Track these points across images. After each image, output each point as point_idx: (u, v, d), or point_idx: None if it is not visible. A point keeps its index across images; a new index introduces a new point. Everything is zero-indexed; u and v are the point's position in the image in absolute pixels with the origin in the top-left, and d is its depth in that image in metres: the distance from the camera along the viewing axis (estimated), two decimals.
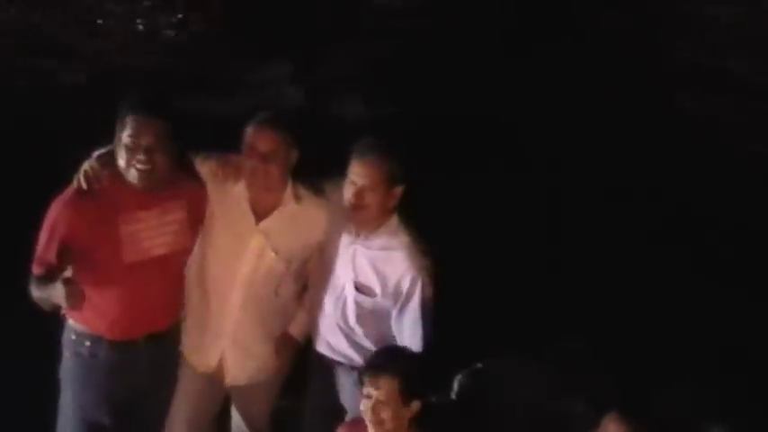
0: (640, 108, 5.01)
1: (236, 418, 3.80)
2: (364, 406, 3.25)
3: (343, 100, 5.02)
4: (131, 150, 3.18)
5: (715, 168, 4.94)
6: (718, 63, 4.87)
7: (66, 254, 3.17)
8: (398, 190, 3.39)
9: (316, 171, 3.55)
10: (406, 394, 3.21)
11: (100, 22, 4.95)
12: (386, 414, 3.22)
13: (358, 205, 3.35)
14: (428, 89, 4.95)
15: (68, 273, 3.08)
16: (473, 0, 5.04)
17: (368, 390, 3.24)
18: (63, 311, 3.40)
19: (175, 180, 3.34)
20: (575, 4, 5.10)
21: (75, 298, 3.03)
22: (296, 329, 3.68)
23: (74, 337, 3.40)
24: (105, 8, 4.93)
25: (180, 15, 4.98)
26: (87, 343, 3.38)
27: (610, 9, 4.99)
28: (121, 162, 3.21)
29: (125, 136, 3.18)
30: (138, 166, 3.19)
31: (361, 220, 3.41)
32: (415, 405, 3.23)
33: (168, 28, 4.96)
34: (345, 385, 3.60)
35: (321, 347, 3.62)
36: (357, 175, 3.34)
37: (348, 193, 3.36)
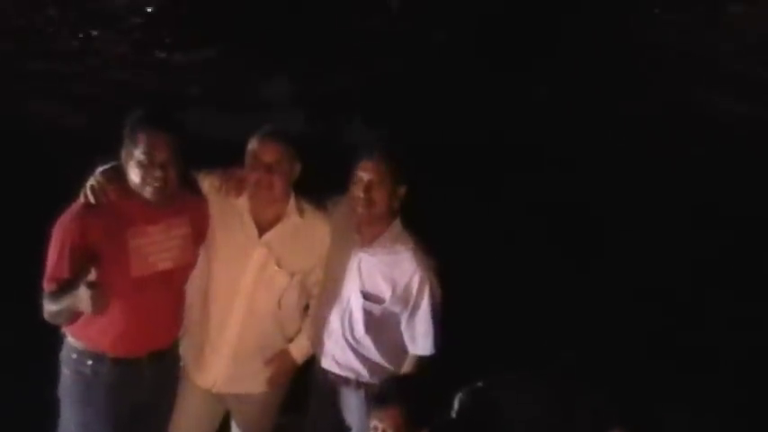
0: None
1: None
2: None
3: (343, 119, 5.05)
4: (146, 167, 3.18)
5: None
6: None
7: (81, 264, 3.13)
8: (402, 190, 3.46)
9: (317, 189, 3.59)
10: (412, 422, 3.24)
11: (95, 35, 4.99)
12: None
13: (367, 201, 3.40)
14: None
15: (92, 276, 3.05)
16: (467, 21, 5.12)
17: (375, 423, 3.26)
18: (63, 329, 3.38)
19: (180, 195, 3.35)
20: None
21: (101, 300, 3.01)
22: (296, 351, 3.67)
23: (75, 356, 3.37)
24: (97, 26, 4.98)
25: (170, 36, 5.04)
26: (89, 362, 3.34)
27: None
28: (135, 178, 3.21)
29: (138, 153, 3.18)
30: (156, 183, 3.19)
31: (369, 217, 3.45)
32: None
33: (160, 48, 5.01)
34: (351, 403, 3.61)
35: (327, 363, 3.62)
36: (364, 171, 3.41)
37: (357, 190, 3.42)
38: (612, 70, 5.13)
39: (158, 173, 3.18)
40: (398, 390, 3.31)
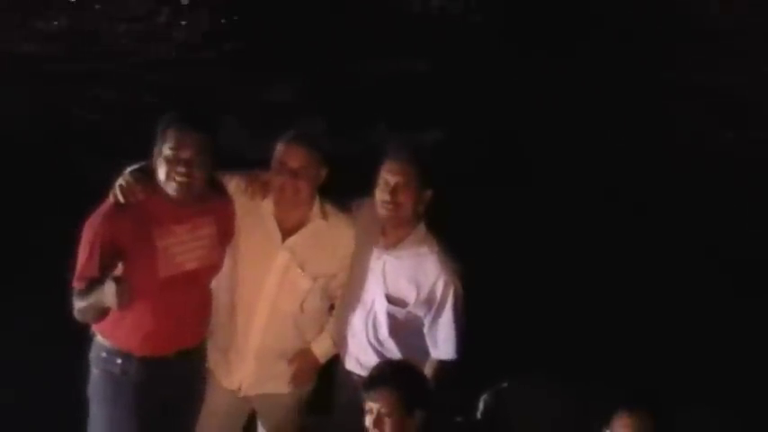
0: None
1: None
2: (368, 421, 3.23)
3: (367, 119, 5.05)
4: (171, 163, 3.22)
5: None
6: None
7: (109, 263, 3.18)
8: (428, 194, 3.45)
9: (341, 191, 3.61)
10: (408, 404, 3.21)
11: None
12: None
13: (392, 204, 3.40)
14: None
15: (118, 271, 3.09)
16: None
17: (369, 405, 3.24)
18: (93, 329, 3.44)
19: (206, 196, 3.38)
20: None
21: (126, 295, 3.04)
22: (318, 350, 3.69)
23: (104, 354, 3.41)
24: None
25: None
26: (118, 360, 3.38)
27: None
28: (161, 175, 3.25)
29: (166, 149, 3.23)
30: (178, 178, 3.23)
31: (394, 221, 3.45)
32: (419, 415, 3.23)
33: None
34: None
35: (350, 365, 3.64)
36: (391, 173, 3.41)
37: (382, 193, 3.42)
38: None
39: (182, 169, 3.22)
40: (392, 372, 3.28)
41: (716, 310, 4.56)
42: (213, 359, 3.61)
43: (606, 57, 5.25)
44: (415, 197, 3.42)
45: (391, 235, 3.51)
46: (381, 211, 3.44)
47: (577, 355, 4.21)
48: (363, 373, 3.59)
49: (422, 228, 3.52)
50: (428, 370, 3.50)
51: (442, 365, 3.50)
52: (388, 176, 3.42)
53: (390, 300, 3.51)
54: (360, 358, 3.61)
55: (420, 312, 3.49)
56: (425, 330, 3.51)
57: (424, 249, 3.47)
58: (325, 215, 3.53)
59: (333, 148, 3.55)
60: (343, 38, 5.21)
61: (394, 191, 3.40)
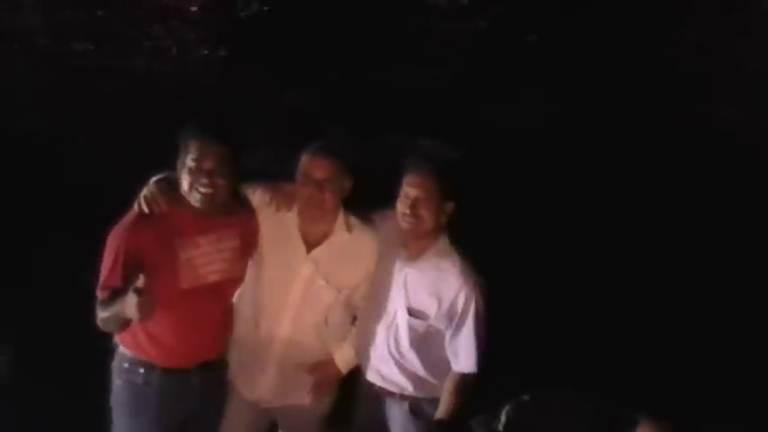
0: None
1: None
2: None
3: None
4: (194, 173, 3.22)
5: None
6: None
7: (133, 273, 3.17)
8: (450, 206, 3.43)
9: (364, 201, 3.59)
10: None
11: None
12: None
13: (413, 217, 3.38)
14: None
15: (140, 283, 3.09)
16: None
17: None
18: (115, 339, 3.44)
19: (230, 207, 3.38)
20: None
21: (148, 307, 3.05)
22: (340, 360, 3.68)
23: (126, 365, 3.42)
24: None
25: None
26: (141, 370, 3.39)
27: None
28: (185, 185, 3.25)
29: (189, 159, 3.22)
30: (201, 189, 3.23)
31: (415, 234, 3.43)
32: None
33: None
34: (395, 415, 3.62)
35: (372, 376, 3.63)
36: (411, 186, 3.39)
37: (402, 206, 3.40)
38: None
39: (205, 180, 3.22)
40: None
41: (746, 325, 4.53)
42: (235, 371, 3.61)
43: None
44: (435, 210, 3.40)
45: (413, 247, 3.49)
46: (402, 224, 3.43)
47: (599, 368, 4.17)
48: (384, 384, 3.61)
49: (444, 240, 3.49)
50: (449, 383, 3.49)
51: (464, 378, 3.48)
52: (408, 189, 3.40)
53: (411, 312, 3.50)
54: (381, 370, 3.60)
55: (441, 326, 3.48)
56: (446, 343, 3.50)
57: (446, 262, 3.45)
58: (349, 227, 3.52)
59: (358, 158, 3.53)
60: (362, 44, 5.18)
61: (414, 204, 3.38)
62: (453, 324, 3.45)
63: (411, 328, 3.50)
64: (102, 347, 3.48)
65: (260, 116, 5.18)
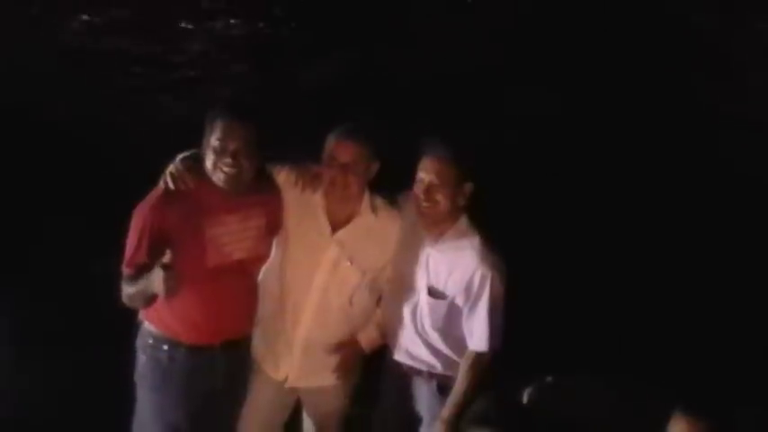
0: None
1: (307, 423, 3.85)
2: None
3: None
4: (219, 153, 3.24)
5: None
6: None
7: (158, 249, 3.19)
8: (468, 187, 3.42)
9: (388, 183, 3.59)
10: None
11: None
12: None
13: (428, 202, 3.38)
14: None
15: (166, 259, 3.10)
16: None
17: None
18: (140, 316, 3.47)
19: (256, 187, 3.39)
20: None
21: (174, 283, 3.08)
22: (364, 340, 3.70)
23: (151, 341, 3.44)
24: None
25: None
26: (165, 347, 3.41)
27: None
28: (209, 164, 3.27)
29: (214, 139, 3.24)
30: (225, 169, 3.24)
31: (430, 218, 3.44)
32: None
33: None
34: (422, 394, 3.63)
35: (399, 356, 3.65)
36: (426, 171, 3.39)
37: (417, 190, 3.40)
38: None
39: (229, 160, 3.23)
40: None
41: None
42: (260, 350, 3.63)
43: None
44: (451, 193, 3.39)
45: (433, 230, 3.50)
46: (418, 207, 3.43)
47: (622, 353, 4.16)
48: (413, 363, 3.62)
49: (463, 221, 3.50)
50: (464, 361, 3.50)
51: (478, 357, 3.48)
52: (422, 174, 3.40)
53: (431, 292, 3.51)
54: (409, 349, 3.61)
55: (460, 303, 3.48)
56: (463, 321, 3.50)
57: (465, 242, 3.45)
58: (374, 209, 3.53)
59: (386, 141, 3.52)
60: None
61: (428, 189, 3.38)
62: (469, 302, 3.45)
63: (432, 308, 3.51)
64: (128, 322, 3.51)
65: (287, 97, 5.20)
